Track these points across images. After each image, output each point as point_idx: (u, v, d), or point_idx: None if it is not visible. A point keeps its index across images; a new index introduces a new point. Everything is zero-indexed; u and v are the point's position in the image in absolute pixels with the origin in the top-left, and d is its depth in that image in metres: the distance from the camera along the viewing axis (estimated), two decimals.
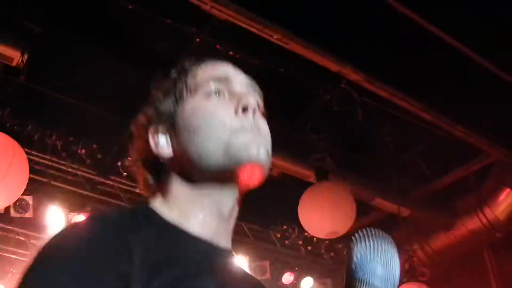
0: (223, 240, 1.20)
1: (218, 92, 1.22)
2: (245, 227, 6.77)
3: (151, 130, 1.25)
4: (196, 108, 1.21)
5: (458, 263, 6.42)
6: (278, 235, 6.74)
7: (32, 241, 6.04)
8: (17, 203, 5.51)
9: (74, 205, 5.78)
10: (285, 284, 6.87)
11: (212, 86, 1.23)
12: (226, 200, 1.20)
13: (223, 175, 1.17)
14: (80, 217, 5.81)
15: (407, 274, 5.82)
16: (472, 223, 6.17)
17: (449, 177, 6.22)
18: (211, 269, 1.13)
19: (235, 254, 1.26)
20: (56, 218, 5.72)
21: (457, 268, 6.40)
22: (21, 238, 6.01)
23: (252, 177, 1.17)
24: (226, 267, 1.20)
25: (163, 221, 1.17)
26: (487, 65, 4.68)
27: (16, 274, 6.18)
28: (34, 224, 5.82)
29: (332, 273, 7.21)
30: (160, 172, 1.25)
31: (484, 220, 6.01)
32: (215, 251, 1.18)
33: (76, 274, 0.96)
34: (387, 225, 6.50)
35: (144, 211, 1.19)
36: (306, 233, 6.73)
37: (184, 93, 1.24)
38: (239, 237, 6.67)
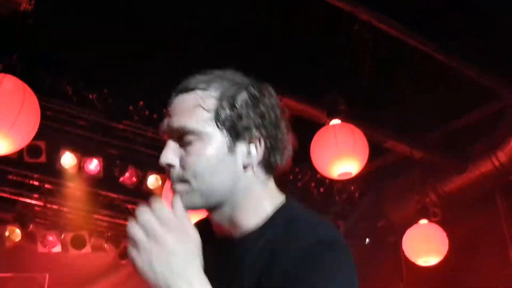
0: (234, 230, 1.44)
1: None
2: None
3: None
4: None
5: (470, 205, 6.43)
6: (290, 177, 6.75)
7: (45, 185, 6.09)
8: (30, 148, 5.55)
9: (87, 150, 5.82)
10: None
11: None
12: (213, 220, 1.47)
13: None
14: (93, 162, 5.84)
15: (419, 214, 5.84)
16: (485, 166, 6.14)
17: (462, 120, 6.16)
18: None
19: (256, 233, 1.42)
20: (69, 163, 5.77)
21: (469, 210, 6.41)
22: (35, 183, 6.07)
23: None
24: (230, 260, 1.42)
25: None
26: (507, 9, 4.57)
27: (32, 218, 6.28)
28: (47, 169, 5.87)
29: (344, 215, 7.25)
30: None
31: (497, 163, 5.98)
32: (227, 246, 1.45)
33: None
34: (400, 167, 6.52)
35: None
36: (318, 175, 6.74)
37: None
38: None
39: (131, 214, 6.52)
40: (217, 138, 1.37)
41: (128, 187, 6.16)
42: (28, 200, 6.18)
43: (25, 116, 4.03)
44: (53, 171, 5.88)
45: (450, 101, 5.73)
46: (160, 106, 5.75)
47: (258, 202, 1.43)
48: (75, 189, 6.11)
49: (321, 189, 6.96)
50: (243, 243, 1.40)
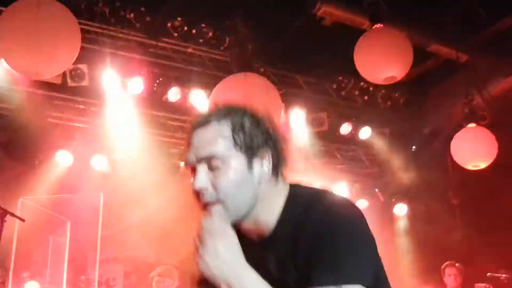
0: (260, 231, 1.71)
1: None
2: (300, 80, 6.73)
3: None
4: None
5: None
6: (334, 86, 6.68)
7: (91, 108, 6.17)
8: (73, 72, 5.59)
9: (128, 70, 5.82)
10: (343, 135, 6.90)
11: None
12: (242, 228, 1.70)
13: None
14: (136, 82, 5.85)
15: (467, 118, 5.76)
16: None
17: (508, 21, 5.93)
18: None
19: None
20: (112, 84, 5.80)
21: None
22: (80, 106, 6.15)
23: None
24: None
25: None
26: None
27: (79, 140, 6.40)
28: (91, 92, 5.93)
29: (390, 123, 7.18)
30: None
31: None
32: None
33: None
34: (445, 71, 6.37)
35: None
36: (362, 83, 6.65)
37: None
38: (295, 90, 6.67)
39: (177, 131, 6.61)
40: (238, 160, 1.62)
41: (172, 104, 6.19)
42: (76, 124, 6.29)
43: (66, 38, 4.05)
44: (97, 93, 5.92)
45: (495, 1, 5.52)
46: (198, 21, 5.68)
47: (273, 202, 1.68)
48: (120, 110, 6.17)
49: (365, 97, 6.86)
50: (270, 241, 1.66)
